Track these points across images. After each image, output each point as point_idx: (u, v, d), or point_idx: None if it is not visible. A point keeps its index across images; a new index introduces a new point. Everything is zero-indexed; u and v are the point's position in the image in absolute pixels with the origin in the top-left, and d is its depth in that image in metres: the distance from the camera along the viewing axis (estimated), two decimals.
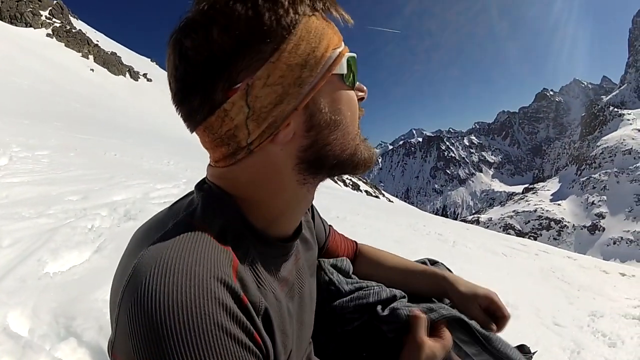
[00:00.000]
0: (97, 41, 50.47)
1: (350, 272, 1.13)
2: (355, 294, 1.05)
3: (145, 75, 54.92)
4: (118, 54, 53.39)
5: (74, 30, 49.23)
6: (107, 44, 55.44)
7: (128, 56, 57.83)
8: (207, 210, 0.65)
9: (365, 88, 0.72)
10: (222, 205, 0.67)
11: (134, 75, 52.74)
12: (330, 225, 1.18)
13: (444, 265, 1.23)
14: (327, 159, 0.67)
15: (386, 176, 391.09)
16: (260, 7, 0.57)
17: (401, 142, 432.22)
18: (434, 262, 1.26)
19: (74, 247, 2.42)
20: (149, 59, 60.14)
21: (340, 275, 1.09)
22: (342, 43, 0.67)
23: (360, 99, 0.72)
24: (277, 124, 0.61)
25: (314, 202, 0.85)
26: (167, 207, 0.73)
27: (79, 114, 17.71)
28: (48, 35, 45.72)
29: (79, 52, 45.90)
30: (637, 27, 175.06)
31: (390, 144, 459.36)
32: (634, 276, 8.47)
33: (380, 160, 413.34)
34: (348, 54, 0.66)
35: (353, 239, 1.27)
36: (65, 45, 44.92)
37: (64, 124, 12.46)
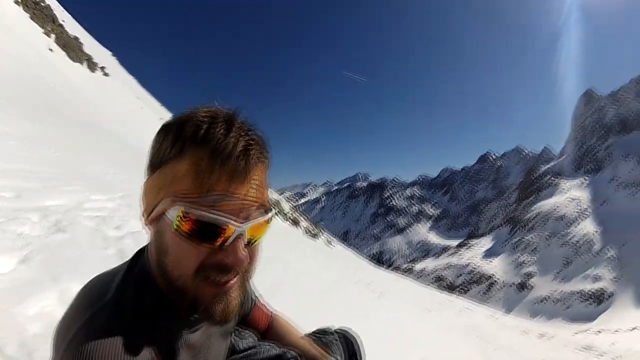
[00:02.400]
0: (63, 21, 43.05)
1: (254, 341, 1.29)
2: (248, 351, 1.20)
3: (103, 68, 47.68)
4: (81, 40, 46.19)
5: (42, 4, 41.65)
6: (72, 26, 48.18)
7: (89, 44, 50.68)
8: (127, 291, 0.79)
9: (236, 256, 0.77)
10: (144, 282, 0.81)
11: (92, 66, 45.23)
12: (257, 297, 1.36)
13: (352, 335, 1.43)
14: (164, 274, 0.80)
15: (328, 215, 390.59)
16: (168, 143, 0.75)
17: (346, 184, 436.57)
18: (342, 332, 1.43)
19: (1, 252, 2.35)
20: (110, 53, 52.91)
21: (239, 338, 1.24)
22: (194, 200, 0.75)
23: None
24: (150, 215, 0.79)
25: None
26: (114, 269, 0.88)
27: (35, 97, 13.81)
28: (16, 2, 37.77)
29: (42, 28, 38.41)
30: (580, 106, 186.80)
31: (335, 184, 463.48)
32: (553, 337, 11.11)
33: (324, 199, 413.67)
34: (178, 209, 0.74)
35: (271, 310, 1.42)
36: (30, 18, 37.19)
37: (15, 107, 10.12)
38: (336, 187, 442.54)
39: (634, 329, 33.79)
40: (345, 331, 1.48)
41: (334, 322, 1.47)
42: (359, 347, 1.46)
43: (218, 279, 0.78)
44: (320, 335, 1.43)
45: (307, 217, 49.96)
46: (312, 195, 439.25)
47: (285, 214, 39.91)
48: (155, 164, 0.77)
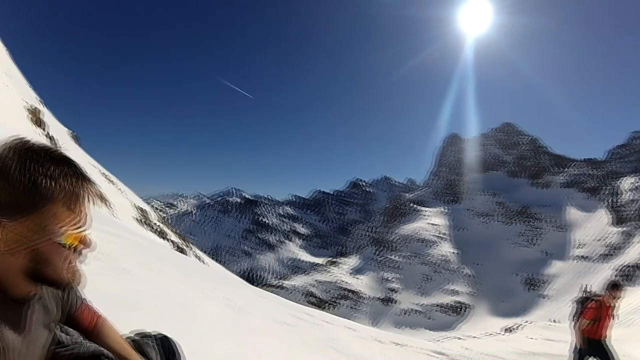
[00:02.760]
0: None
1: (77, 337, 1.53)
2: (69, 346, 1.44)
3: None
4: None
5: None
6: None
7: None
8: None
9: (89, 242, 1.18)
10: None
11: None
12: (83, 299, 1.59)
13: (171, 340, 1.70)
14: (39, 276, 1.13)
15: (198, 229, 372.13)
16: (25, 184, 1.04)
17: (219, 199, 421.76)
18: (161, 336, 1.69)
19: None
20: None
21: (64, 334, 1.48)
22: (76, 225, 1.13)
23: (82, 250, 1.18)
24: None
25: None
26: None
27: None
28: None
29: None
30: (445, 146, 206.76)
31: (208, 197, 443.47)
32: (407, 345, 11.14)
33: (195, 211, 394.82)
34: (72, 232, 1.12)
35: (100, 314, 1.64)
36: None
37: None
38: (209, 201, 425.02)
39: (490, 334, 35.38)
40: (165, 335, 1.68)
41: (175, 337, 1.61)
42: (177, 352, 1.67)
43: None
44: (139, 339, 1.63)
45: (176, 230, 46.21)
46: (182, 207, 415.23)
47: (152, 226, 35.87)
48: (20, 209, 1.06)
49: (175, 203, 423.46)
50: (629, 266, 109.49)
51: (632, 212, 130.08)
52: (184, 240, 40.34)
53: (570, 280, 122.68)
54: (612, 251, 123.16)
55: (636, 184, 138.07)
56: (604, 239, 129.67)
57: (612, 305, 7.17)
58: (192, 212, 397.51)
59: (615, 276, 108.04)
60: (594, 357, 7.32)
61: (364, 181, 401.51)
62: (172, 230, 40.41)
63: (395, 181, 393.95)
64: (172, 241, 36.12)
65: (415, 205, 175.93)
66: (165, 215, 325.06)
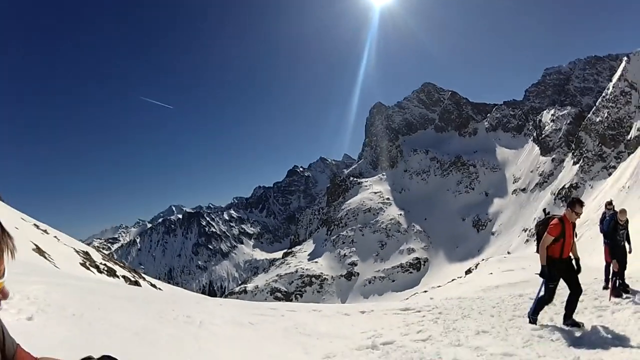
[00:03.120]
0: None
1: None
2: None
3: None
4: None
5: None
6: None
7: None
8: None
9: (7, 293, 1.30)
10: None
11: None
12: (18, 344, 1.56)
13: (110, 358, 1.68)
14: None
15: (146, 257, 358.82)
16: None
17: (160, 220, 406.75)
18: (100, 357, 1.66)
19: None
20: None
21: None
22: None
23: None
24: None
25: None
26: None
27: None
28: None
29: None
30: (372, 116, 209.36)
31: (149, 222, 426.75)
32: (373, 311, 11.29)
33: (139, 239, 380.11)
34: None
35: (36, 357, 1.60)
36: None
37: None
38: (150, 225, 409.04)
39: (453, 280, 36.74)
40: (106, 355, 1.68)
41: None
42: None
43: None
44: None
45: (124, 264, 44.18)
46: (125, 239, 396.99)
47: (98, 266, 34.11)
48: None
49: (117, 236, 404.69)
50: (564, 188, 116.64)
51: (557, 140, 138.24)
52: (135, 273, 38.73)
53: (513, 213, 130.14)
54: (546, 179, 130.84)
55: (556, 115, 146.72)
56: (537, 170, 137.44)
57: (573, 221, 7.15)
58: (136, 241, 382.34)
59: (555, 199, 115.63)
60: (560, 278, 7.28)
61: (301, 167, 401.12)
62: (120, 266, 38.65)
63: (331, 160, 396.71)
64: (123, 277, 34.41)
65: (355, 179, 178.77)
66: (109, 251, 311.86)
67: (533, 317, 7.74)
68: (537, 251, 7.42)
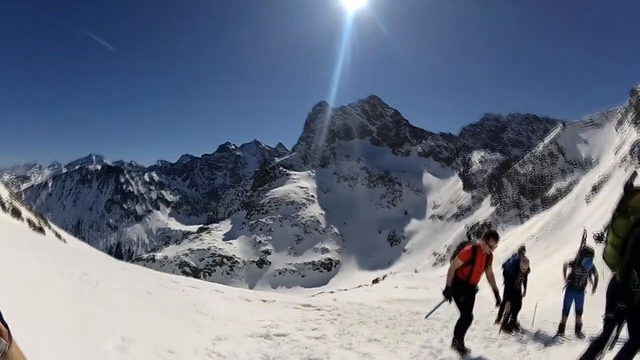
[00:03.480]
0: None
1: None
2: None
3: None
4: None
5: None
6: None
7: None
8: None
9: None
10: None
11: None
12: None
13: None
14: None
15: (56, 204, 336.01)
16: None
17: (78, 167, 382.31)
18: None
19: None
20: None
21: None
22: None
23: None
24: None
25: None
26: None
27: None
28: None
29: None
30: (315, 113, 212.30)
31: (65, 167, 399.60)
32: (274, 301, 11.32)
33: (51, 183, 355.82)
34: None
35: None
36: None
37: None
38: (65, 171, 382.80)
39: (359, 286, 37.87)
40: None
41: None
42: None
43: None
44: None
45: (31, 207, 41.30)
46: (37, 179, 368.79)
47: (3, 204, 31.69)
48: None
49: (29, 175, 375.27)
50: (478, 224, 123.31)
51: (480, 180, 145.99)
52: (41, 218, 36.47)
53: (427, 236, 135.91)
54: (463, 212, 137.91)
55: (485, 157, 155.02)
56: (457, 201, 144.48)
57: (486, 253, 7.28)
58: (48, 184, 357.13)
59: (468, 233, 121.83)
60: (460, 298, 7.30)
61: (234, 145, 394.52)
62: (26, 208, 36.19)
63: (265, 145, 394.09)
64: (28, 220, 32.33)
65: (284, 169, 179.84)
66: (18, 190, 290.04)
67: (458, 341, 7.39)
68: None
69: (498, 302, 7.74)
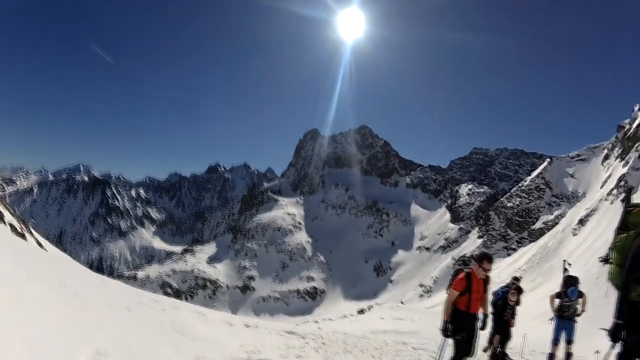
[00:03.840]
0: None
1: None
2: None
3: None
4: None
5: None
6: None
7: None
8: None
9: None
10: None
11: None
12: None
13: None
14: None
15: (40, 211, 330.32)
16: None
17: (65, 176, 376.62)
18: None
19: None
20: None
21: None
22: None
23: None
24: None
25: None
26: None
27: None
28: None
29: None
30: (305, 140, 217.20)
31: (52, 174, 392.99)
32: (257, 327, 11.03)
33: (37, 189, 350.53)
34: None
35: None
36: None
37: None
38: (52, 179, 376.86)
39: (344, 316, 37.36)
40: None
41: None
42: None
43: None
44: None
45: (15, 211, 40.40)
46: (22, 184, 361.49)
47: None
48: None
49: (14, 179, 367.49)
50: (464, 256, 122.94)
51: (468, 212, 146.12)
52: (23, 224, 35.59)
53: (414, 267, 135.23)
54: (451, 244, 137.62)
55: (472, 190, 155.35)
56: (444, 233, 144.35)
57: (481, 277, 6.81)
58: (33, 190, 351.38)
59: (455, 264, 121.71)
60: (458, 335, 6.85)
61: (223, 167, 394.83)
62: (10, 212, 35.31)
63: (254, 169, 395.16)
64: (10, 225, 31.53)
65: (272, 194, 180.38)
66: (2, 193, 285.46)
67: None
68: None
69: (484, 327, 7.28)
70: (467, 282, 6.77)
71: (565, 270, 10.65)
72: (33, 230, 37.20)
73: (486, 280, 6.96)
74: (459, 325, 6.80)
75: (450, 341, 7.11)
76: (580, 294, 9.94)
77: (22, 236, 30.86)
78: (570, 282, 9.91)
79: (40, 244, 32.61)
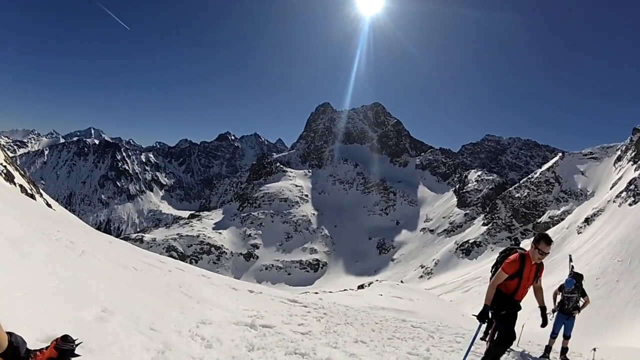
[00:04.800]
0: None
1: None
2: None
3: None
4: None
5: None
6: None
7: None
8: None
9: None
10: None
11: None
12: None
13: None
14: None
15: (50, 173, 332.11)
16: None
17: (75, 139, 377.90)
18: None
19: None
20: None
21: None
22: None
23: None
24: None
25: None
26: None
27: None
28: None
29: None
30: (317, 113, 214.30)
31: (63, 137, 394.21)
32: (261, 293, 11.45)
33: (47, 152, 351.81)
34: None
35: None
36: None
37: None
38: (63, 141, 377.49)
39: (344, 290, 37.87)
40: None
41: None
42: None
43: None
44: None
45: (25, 173, 40.98)
46: (34, 146, 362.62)
47: None
48: None
49: (26, 141, 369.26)
50: (468, 242, 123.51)
51: (475, 199, 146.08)
52: (33, 186, 36.14)
53: (416, 248, 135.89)
54: (455, 228, 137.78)
55: (481, 177, 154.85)
56: (449, 217, 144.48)
57: (535, 262, 5.96)
58: (44, 152, 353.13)
59: (457, 249, 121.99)
60: (502, 311, 6.15)
61: (234, 135, 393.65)
62: (20, 173, 35.86)
63: (264, 139, 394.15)
64: (20, 185, 32.05)
65: (281, 165, 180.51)
66: (14, 155, 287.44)
67: None
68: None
69: (544, 323, 6.49)
70: (520, 264, 5.91)
71: (572, 266, 10.63)
72: (42, 192, 37.77)
73: (539, 267, 6.12)
74: (499, 306, 6.08)
75: (483, 327, 6.55)
76: (584, 293, 9.98)
77: (32, 197, 31.36)
78: (572, 276, 10.01)
79: (49, 205, 33.16)
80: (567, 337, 9.84)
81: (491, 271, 6.67)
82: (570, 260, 10.54)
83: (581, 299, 9.93)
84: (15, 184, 30.31)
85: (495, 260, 6.95)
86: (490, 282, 6.11)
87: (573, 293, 9.86)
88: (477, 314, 6.03)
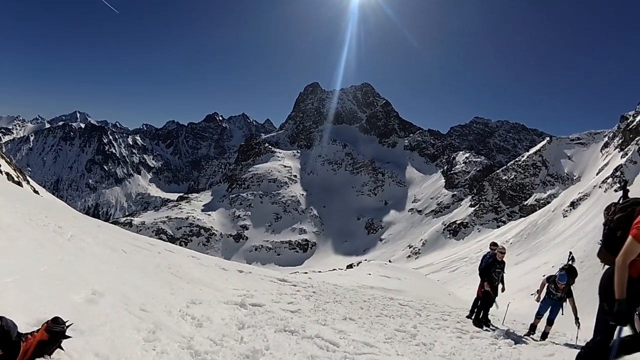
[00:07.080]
0: None
1: None
2: None
3: None
4: None
5: None
6: None
7: None
8: None
9: None
10: None
11: None
12: None
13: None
14: None
15: (36, 159, 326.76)
16: None
17: (61, 123, 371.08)
18: None
19: None
20: None
21: None
22: None
23: None
24: None
25: None
26: None
27: None
28: None
29: None
30: (306, 93, 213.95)
31: (48, 122, 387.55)
32: (250, 273, 11.40)
33: (32, 138, 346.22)
34: None
35: None
36: None
37: None
38: (48, 126, 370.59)
39: (333, 269, 38.39)
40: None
41: None
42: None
43: None
44: None
45: (10, 160, 40.39)
46: (19, 133, 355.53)
47: None
48: None
49: (11, 128, 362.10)
50: (455, 223, 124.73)
51: (463, 180, 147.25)
52: (20, 173, 35.67)
53: (404, 228, 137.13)
54: (442, 209, 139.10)
55: (469, 159, 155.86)
56: (437, 198, 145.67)
57: None
58: (29, 138, 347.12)
59: (444, 229, 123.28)
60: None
61: (221, 116, 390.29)
62: (6, 161, 35.31)
63: (252, 120, 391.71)
64: (6, 173, 31.59)
65: (269, 146, 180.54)
66: None
67: None
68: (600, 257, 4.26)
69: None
70: None
71: (572, 259, 10.75)
72: (29, 179, 37.34)
73: None
74: (632, 302, 3.66)
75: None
76: (570, 293, 9.84)
77: (19, 184, 30.97)
78: (568, 272, 9.87)
79: (36, 191, 32.81)
80: (550, 321, 9.91)
81: (604, 244, 4.11)
82: (571, 259, 10.55)
83: (567, 299, 9.82)
84: (1, 171, 29.91)
85: (608, 218, 4.20)
86: (620, 259, 3.63)
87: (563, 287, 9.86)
88: (612, 314, 3.61)
